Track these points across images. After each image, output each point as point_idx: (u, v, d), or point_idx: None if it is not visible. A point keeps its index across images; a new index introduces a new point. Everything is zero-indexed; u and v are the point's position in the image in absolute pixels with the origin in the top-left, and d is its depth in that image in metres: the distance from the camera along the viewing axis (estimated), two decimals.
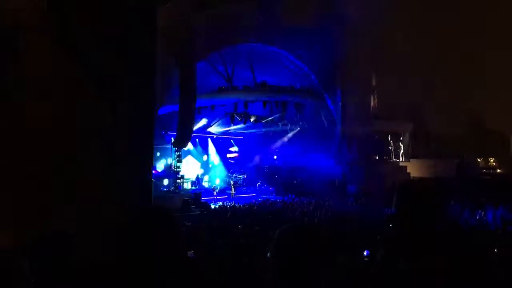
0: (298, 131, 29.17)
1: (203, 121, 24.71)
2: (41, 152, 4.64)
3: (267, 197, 26.18)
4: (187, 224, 13.22)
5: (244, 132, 28.82)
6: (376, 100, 30.22)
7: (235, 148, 30.53)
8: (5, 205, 4.46)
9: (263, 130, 28.31)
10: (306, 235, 1.59)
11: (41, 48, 4.71)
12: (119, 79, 5.09)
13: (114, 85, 5.07)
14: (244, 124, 24.56)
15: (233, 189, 26.25)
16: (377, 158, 30.21)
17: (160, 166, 24.27)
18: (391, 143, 32.45)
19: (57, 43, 4.67)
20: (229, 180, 28.19)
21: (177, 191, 23.21)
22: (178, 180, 23.86)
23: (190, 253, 5.96)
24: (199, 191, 23.86)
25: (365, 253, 5.64)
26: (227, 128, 26.38)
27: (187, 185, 25.67)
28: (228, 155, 30.18)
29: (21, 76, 4.63)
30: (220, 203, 22.85)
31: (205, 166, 28.50)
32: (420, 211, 1.64)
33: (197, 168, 27.90)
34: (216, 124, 24.55)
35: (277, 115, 25.57)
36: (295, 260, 1.55)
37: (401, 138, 33.29)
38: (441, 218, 1.66)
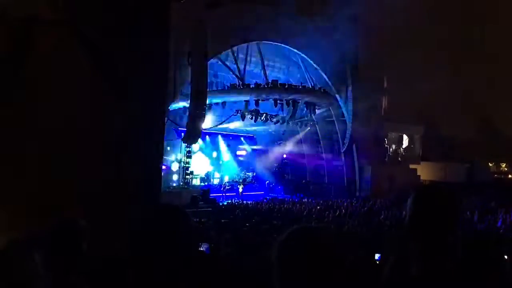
0: (309, 130, 29.06)
1: (214, 118, 24.74)
2: (53, 149, 4.67)
3: (276, 195, 26.17)
4: (195, 220, 13.25)
5: (255, 130, 28.80)
6: (387, 102, 30.04)
7: (245, 147, 30.54)
8: (15, 201, 4.50)
9: (274, 129, 28.26)
10: (315, 237, 1.56)
11: (55, 41, 4.74)
12: (131, 76, 5.11)
13: (126, 83, 5.09)
14: (255, 122, 24.52)
15: (241, 187, 26.32)
16: (386, 160, 30.02)
17: (171, 160, 24.33)
18: (402, 145, 32.23)
19: (69, 38, 4.70)
20: (238, 177, 28.21)
21: (186, 187, 23.28)
22: (187, 176, 23.92)
23: (205, 246, 5.95)
24: (207, 187, 23.91)
25: (376, 257, 5.59)
26: (238, 125, 26.36)
27: (196, 181, 25.74)
28: (238, 152, 30.20)
29: (34, 69, 4.66)
30: (229, 201, 22.89)
31: (215, 162, 28.54)
32: (437, 216, 1.61)
33: (206, 164, 27.96)
34: (226, 121, 24.55)
35: (288, 114, 25.50)
36: (303, 263, 1.52)
37: (412, 141, 33.06)
38: (457, 224, 1.63)
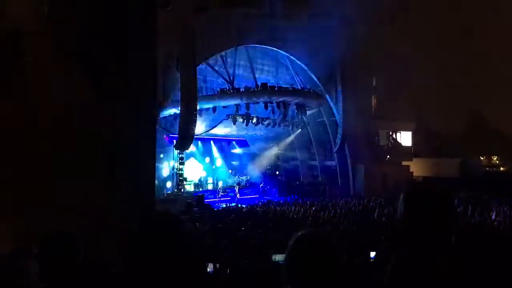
0: (300, 132, 29.14)
1: (205, 123, 24.70)
2: (41, 153, 4.64)
3: (270, 198, 26.16)
4: (190, 226, 13.17)
5: (246, 134, 28.80)
6: (377, 100, 30.22)
7: (238, 150, 30.55)
8: (7, 207, 4.47)
9: (265, 132, 28.30)
10: (323, 243, 1.57)
11: (42, 51, 4.71)
12: (119, 81, 5.09)
13: (115, 87, 5.07)
14: (246, 125, 24.53)
15: (237, 189, 26.37)
16: (379, 158, 30.13)
17: (161, 166, 24.24)
18: (393, 143, 32.37)
19: (57, 46, 4.68)
20: (231, 182, 28.19)
21: (180, 193, 23.19)
22: (180, 183, 23.84)
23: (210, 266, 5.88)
24: (202, 193, 23.85)
25: (371, 255, 5.59)
26: (229, 130, 26.35)
27: (190, 187, 25.67)
28: (233, 151, 30.20)
29: (22, 79, 4.63)
30: (224, 205, 22.85)
31: (208, 168, 28.49)
32: (428, 215, 1.60)
33: (199, 170, 27.89)
34: (218, 126, 24.52)
35: (279, 116, 25.54)
36: (313, 268, 1.52)
37: (403, 138, 33.23)
38: (449, 221, 1.63)
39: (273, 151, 31.31)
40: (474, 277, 1.64)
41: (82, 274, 2.20)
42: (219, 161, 29.28)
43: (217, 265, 5.58)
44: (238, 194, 26.17)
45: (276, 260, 5.31)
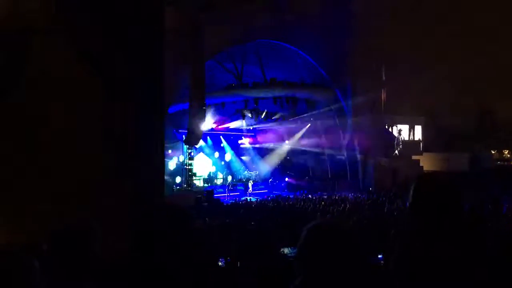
0: (309, 126, 29.10)
1: (214, 119, 24.77)
2: (53, 152, 4.71)
3: (279, 192, 26.19)
4: (199, 221, 13.24)
5: (255, 129, 28.83)
6: (386, 94, 30.00)
7: (247, 145, 30.58)
8: (17, 203, 4.54)
9: (275, 126, 28.29)
10: (337, 234, 1.56)
11: (52, 50, 4.76)
12: (128, 79, 5.13)
13: (124, 86, 5.11)
14: (255, 120, 24.56)
15: (250, 184, 26.51)
16: (389, 152, 29.97)
17: (172, 165, 24.36)
18: (403, 137, 32.16)
19: (67, 45, 4.72)
20: (241, 176, 28.26)
21: (189, 188, 23.31)
22: (190, 178, 23.96)
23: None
24: (211, 188, 23.95)
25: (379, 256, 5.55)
26: (238, 125, 26.40)
27: (199, 183, 25.78)
28: (240, 141, 30.23)
29: (32, 79, 4.69)
30: (232, 201, 22.94)
31: (217, 163, 28.57)
32: (440, 203, 1.63)
33: (209, 165, 27.98)
34: (227, 121, 24.59)
35: (288, 111, 25.53)
36: (326, 260, 1.53)
37: (413, 132, 33.02)
38: (460, 210, 1.65)
39: (282, 146, 31.30)
40: (480, 266, 1.65)
41: (95, 269, 2.19)
42: (228, 156, 29.35)
43: (228, 259, 5.62)
44: (250, 189, 26.33)
45: (286, 253, 5.33)
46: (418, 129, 33.37)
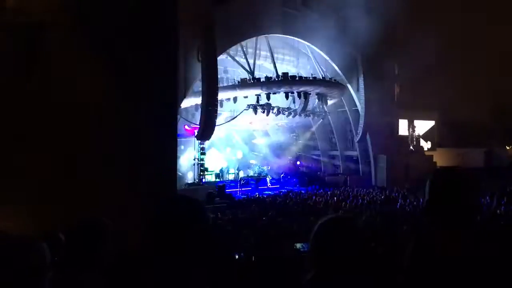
0: (322, 121, 28.98)
1: (226, 114, 24.78)
2: (69, 149, 4.75)
3: (291, 188, 26.15)
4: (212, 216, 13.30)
5: (267, 124, 28.79)
6: (399, 89, 29.71)
7: (259, 140, 30.60)
8: (31, 197, 4.59)
9: (287, 122, 28.22)
10: (348, 227, 1.57)
11: (67, 47, 4.79)
12: (142, 76, 5.15)
13: (138, 82, 5.13)
14: (267, 115, 24.51)
15: (268, 179, 26.63)
16: (401, 147, 29.73)
17: (184, 160, 24.45)
18: (417, 132, 31.89)
19: (82, 41, 4.75)
20: (253, 172, 28.26)
21: (201, 184, 23.38)
22: (201, 173, 24.01)
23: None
24: (223, 183, 23.98)
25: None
26: (251, 120, 26.37)
27: (211, 178, 25.83)
28: (254, 141, 30.34)
29: (47, 74, 4.73)
30: (244, 196, 22.96)
31: (229, 158, 28.60)
32: (454, 196, 1.60)
33: (221, 160, 28.02)
34: (239, 116, 24.56)
35: (300, 106, 25.45)
36: (337, 253, 1.52)
37: (426, 127, 32.72)
38: (475, 205, 1.62)
39: (294, 142, 31.24)
40: (498, 261, 1.63)
41: (108, 262, 2.24)
42: (240, 151, 29.36)
43: (242, 254, 5.65)
44: (269, 184, 26.41)
45: (298, 248, 5.33)
46: (431, 124, 33.02)
